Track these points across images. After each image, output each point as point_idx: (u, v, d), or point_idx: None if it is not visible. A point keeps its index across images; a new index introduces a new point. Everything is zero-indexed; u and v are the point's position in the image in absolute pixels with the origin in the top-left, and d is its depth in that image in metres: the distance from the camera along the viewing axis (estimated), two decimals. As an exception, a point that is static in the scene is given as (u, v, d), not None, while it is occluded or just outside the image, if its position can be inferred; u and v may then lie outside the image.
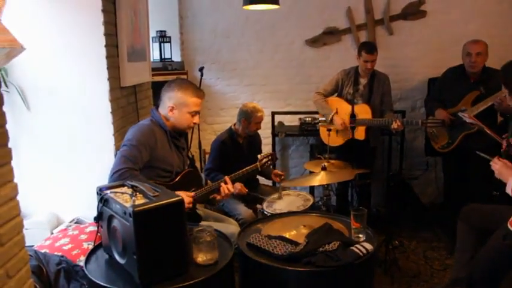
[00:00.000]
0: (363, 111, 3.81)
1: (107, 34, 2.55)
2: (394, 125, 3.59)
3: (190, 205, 2.43)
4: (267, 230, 2.21)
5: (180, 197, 1.75)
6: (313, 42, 4.68)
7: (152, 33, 4.31)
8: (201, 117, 4.83)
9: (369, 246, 1.99)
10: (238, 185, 3.51)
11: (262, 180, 3.97)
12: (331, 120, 3.83)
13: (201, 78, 4.25)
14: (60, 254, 2.20)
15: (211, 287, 1.82)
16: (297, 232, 2.16)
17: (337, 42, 4.68)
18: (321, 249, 1.94)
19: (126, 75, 2.80)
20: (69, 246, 2.30)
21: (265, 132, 4.67)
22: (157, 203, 1.70)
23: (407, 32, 4.63)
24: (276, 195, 3.44)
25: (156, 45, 4.34)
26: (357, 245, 2.00)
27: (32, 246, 2.36)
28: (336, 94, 4.01)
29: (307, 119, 4.52)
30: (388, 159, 4.55)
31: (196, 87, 2.59)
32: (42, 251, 2.21)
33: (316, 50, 4.72)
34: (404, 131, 4.46)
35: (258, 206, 3.42)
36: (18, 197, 1.65)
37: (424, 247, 3.90)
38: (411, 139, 4.80)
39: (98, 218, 1.93)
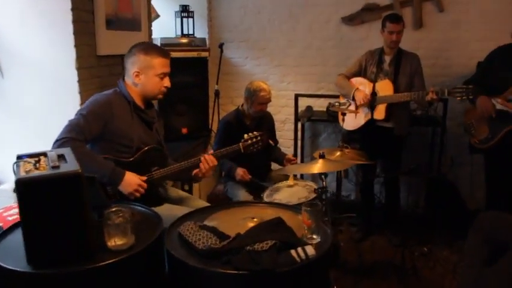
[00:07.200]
0: (385, 88, 3.37)
1: (74, -3, 2.38)
2: (428, 97, 3.12)
3: (142, 190, 2.22)
4: (211, 219, 1.92)
5: (77, 170, 1.52)
6: (350, 20, 4.22)
7: (175, 8, 4.17)
8: (227, 98, 4.61)
9: (311, 252, 1.61)
10: (241, 171, 3.29)
11: (275, 166, 3.66)
12: (353, 97, 3.44)
13: (220, 55, 4.01)
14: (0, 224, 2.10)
15: (120, 274, 1.59)
16: (240, 224, 1.83)
17: (377, 20, 4.13)
18: (248, 247, 1.60)
19: (104, 43, 2.62)
20: (15, 217, 2.19)
21: (291, 117, 4.34)
22: (44, 174, 1.49)
23: (461, 8, 3.97)
24: (280, 184, 3.16)
25: (179, 20, 4.17)
26: (299, 248, 1.63)
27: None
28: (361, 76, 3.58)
29: (337, 103, 4.09)
30: (430, 153, 4.00)
31: (159, 47, 2.39)
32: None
33: (354, 29, 4.25)
34: (445, 122, 3.86)
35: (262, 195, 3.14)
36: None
37: (456, 258, 3.34)
38: (455, 134, 4.14)
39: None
